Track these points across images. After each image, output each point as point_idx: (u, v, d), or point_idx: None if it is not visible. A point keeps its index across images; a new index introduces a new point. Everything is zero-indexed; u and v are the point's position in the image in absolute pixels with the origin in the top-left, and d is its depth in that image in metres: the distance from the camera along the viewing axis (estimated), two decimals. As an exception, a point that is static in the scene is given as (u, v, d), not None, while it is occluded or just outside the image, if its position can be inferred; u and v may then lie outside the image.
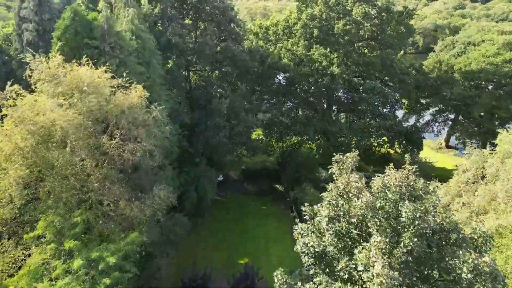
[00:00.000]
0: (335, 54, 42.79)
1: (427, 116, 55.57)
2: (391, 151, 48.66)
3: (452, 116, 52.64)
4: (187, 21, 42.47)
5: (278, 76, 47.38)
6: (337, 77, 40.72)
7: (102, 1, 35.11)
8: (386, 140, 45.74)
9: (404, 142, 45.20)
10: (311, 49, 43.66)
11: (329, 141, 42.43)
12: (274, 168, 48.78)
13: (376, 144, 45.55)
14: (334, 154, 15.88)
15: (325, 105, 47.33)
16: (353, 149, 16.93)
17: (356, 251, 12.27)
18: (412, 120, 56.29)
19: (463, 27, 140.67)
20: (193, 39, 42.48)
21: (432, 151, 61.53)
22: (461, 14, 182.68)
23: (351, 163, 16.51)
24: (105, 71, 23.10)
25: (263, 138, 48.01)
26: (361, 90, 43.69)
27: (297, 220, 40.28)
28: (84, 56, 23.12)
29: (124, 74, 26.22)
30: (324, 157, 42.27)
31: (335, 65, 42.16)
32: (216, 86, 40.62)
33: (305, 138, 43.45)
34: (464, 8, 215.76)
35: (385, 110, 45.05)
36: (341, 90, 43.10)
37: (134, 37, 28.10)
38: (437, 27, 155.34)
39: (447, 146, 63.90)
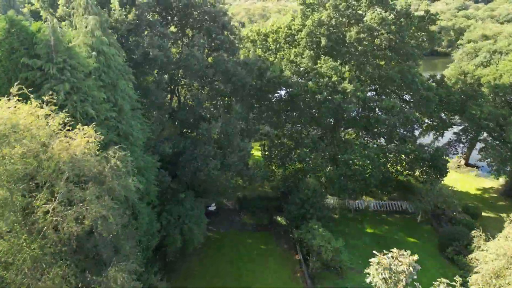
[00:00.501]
0: (346, 67, 36.34)
1: (448, 133, 49.07)
2: (411, 178, 42.15)
3: (480, 137, 46.15)
4: (172, 29, 35.97)
5: (279, 91, 40.91)
6: (350, 95, 34.26)
7: (61, 6, 28.67)
8: (405, 164, 39.24)
9: (426, 167, 38.71)
10: (318, 61, 37.19)
11: (339, 167, 35.96)
12: (275, 196, 42.31)
13: (394, 171, 39.05)
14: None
15: (334, 125, 40.83)
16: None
17: None
18: (429, 137, 49.86)
19: (468, 28, 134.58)
20: (180, 49, 36.04)
21: (451, 171, 55.14)
22: (465, 15, 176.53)
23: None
24: (47, 103, 16.68)
25: (262, 161, 41.53)
26: (377, 109, 37.29)
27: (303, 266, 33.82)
28: (15, 84, 16.70)
29: (78, 104, 19.80)
30: (333, 182, 35.99)
31: (347, 81, 35.71)
32: (206, 105, 34.11)
33: (311, 164, 36.91)
34: (467, 8, 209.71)
35: (404, 131, 38.66)
36: (354, 110, 36.60)
37: (94, 53, 21.61)
38: (441, 28, 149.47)
39: (467, 165, 57.47)
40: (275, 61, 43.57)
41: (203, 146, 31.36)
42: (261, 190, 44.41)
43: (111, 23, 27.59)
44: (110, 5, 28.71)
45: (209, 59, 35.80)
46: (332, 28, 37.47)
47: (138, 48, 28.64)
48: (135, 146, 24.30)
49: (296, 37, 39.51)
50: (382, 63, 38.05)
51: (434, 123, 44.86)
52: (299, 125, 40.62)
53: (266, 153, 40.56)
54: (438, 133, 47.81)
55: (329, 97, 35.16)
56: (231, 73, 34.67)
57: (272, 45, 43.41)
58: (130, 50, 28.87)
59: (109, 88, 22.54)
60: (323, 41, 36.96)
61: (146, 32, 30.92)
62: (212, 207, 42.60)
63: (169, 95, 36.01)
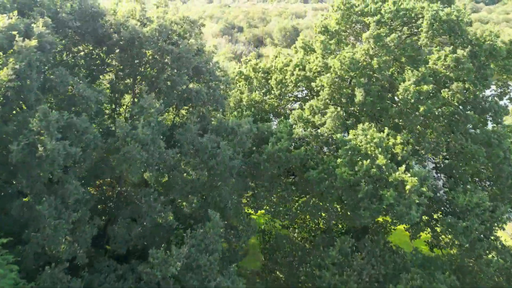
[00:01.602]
0: (398, 137, 22.09)
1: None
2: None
3: None
4: (108, 77, 21.89)
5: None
6: (409, 191, 20.05)
7: None
8: None
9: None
10: (351, 129, 23.01)
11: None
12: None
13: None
14: None
15: (378, 227, 26.49)
16: None
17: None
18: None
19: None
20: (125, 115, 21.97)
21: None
22: (479, 19, 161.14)
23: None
24: None
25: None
26: (448, 206, 23.10)
27: None
28: None
29: None
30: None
31: (400, 159, 21.56)
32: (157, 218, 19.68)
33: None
34: (478, 11, 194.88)
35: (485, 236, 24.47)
36: (418, 217, 22.06)
37: None
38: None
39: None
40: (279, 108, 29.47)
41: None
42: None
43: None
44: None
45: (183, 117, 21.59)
46: (373, 74, 23.27)
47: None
48: None
49: (313, 84, 25.20)
50: (452, 128, 23.70)
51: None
52: (318, 222, 26.37)
53: (267, 260, 26.31)
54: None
55: (373, 192, 20.96)
56: (207, 154, 20.58)
57: (275, 89, 29.13)
58: None
59: None
60: (359, 95, 22.73)
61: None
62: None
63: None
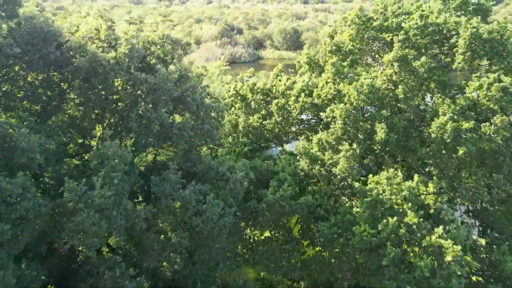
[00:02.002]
0: (430, 185, 17.65)
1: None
2: None
3: None
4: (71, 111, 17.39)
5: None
6: (449, 258, 15.65)
7: None
8: None
9: None
10: (370, 172, 18.61)
11: None
12: None
13: None
14: None
15: None
16: None
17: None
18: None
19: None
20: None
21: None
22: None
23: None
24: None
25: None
26: (490, 270, 18.70)
27: None
28: None
29: None
30: None
31: (434, 215, 17.17)
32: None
33: None
34: None
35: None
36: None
37: None
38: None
39: None
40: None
41: None
42: None
43: None
44: None
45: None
46: (397, 103, 18.85)
47: None
48: None
49: (323, 115, 20.70)
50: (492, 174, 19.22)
51: None
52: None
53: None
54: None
55: (402, 256, 16.56)
56: (191, 210, 16.20)
57: (276, 115, 24.70)
58: None
59: None
60: (380, 132, 18.28)
61: None
62: None
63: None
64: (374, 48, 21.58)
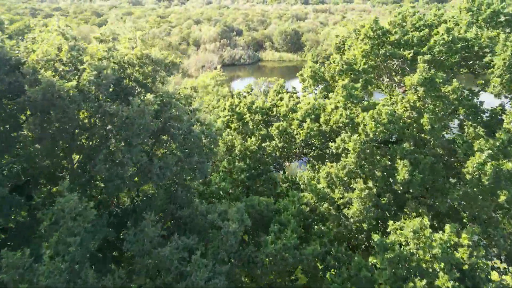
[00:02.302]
0: (464, 237, 14.55)
1: None
2: None
3: None
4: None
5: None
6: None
7: None
8: None
9: None
10: (390, 216, 15.51)
11: None
12: None
13: None
14: None
15: None
16: None
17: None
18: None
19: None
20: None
21: None
22: None
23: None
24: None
25: None
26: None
27: None
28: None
29: None
30: None
31: (468, 272, 14.11)
32: None
33: None
34: None
35: None
36: None
37: None
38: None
39: None
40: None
41: None
42: None
43: None
44: None
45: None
46: (423, 136, 15.76)
47: None
48: None
49: (332, 145, 17.56)
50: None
51: None
52: None
53: None
54: None
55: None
56: (173, 273, 13.12)
57: (278, 140, 21.64)
58: None
59: None
60: (403, 171, 15.13)
61: None
62: None
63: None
64: (391, 66, 18.47)
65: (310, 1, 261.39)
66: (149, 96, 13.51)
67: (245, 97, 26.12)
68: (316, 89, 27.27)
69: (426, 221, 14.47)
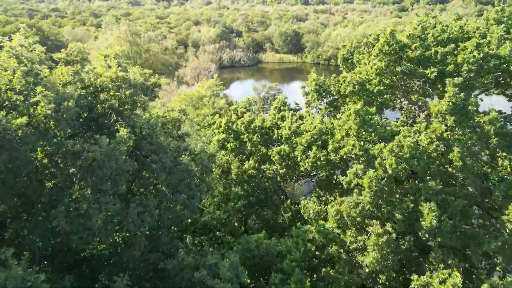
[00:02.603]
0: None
1: None
2: None
3: None
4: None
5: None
6: None
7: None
8: None
9: None
10: (417, 260, 13.00)
11: None
12: None
13: None
14: None
15: None
16: None
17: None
18: None
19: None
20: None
21: None
22: None
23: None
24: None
25: None
26: None
27: None
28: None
29: None
30: None
31: None
32: None
33: None
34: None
35: None
36: None
37: None
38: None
39: None
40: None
41: None
42: None
43: None
44: None
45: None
46: (450, 172, 13.26)
47: None
48: None
49: (343, 179, 15.03)
50: None
51: None
52: None
53: None
54: None
55: None
56: None
57: (279, 165, 19.13)
58: None
59: None
60: (429, 216, 12.62)
61: None
62: None
63: None
64: (410, 85, 15.96)
65: (310, 1, 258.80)
66: (123, 132, 10.98)
67: (242, 115, 23.60)
68: (320, 104, 24.82)
69: (458, 280, 11.95)
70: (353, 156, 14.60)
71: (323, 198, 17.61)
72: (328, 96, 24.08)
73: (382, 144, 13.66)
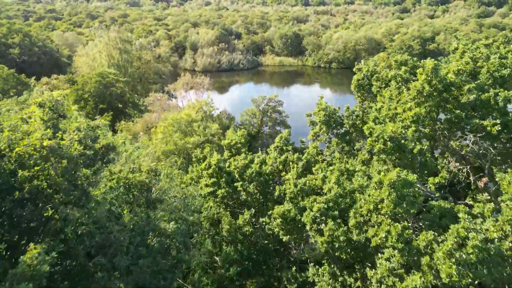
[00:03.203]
0: None
1: None
2: None
3: None
4: None
5: None
6: None
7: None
8: None
9: None
10: None
11: None
12: None
13: None
14: None
15: None
16: None
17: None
18: None
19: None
20: None
21: None
22: (493, 25, 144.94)
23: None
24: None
25: None
26: None
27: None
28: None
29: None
30: None
31: None
32: None
33: None
34: (490, 15, 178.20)
35: None
36: None
37: None
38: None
39: None
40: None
41: None
42: None
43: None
44: None
45: None
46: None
47: None
48: None
49: (370, 273, 10.93)
50: None
51: None
52: None
53: None
54: None
55: None
56: None
57: (282, 231, 14.94)
58: None
59: None
60: None
61: None
62: None
63: None
64: (457, 139, 11.77)
65: (310, 2, 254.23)
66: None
67: (236, 151, 19.40)
68: (331, 137, 20.83)
69: None
70: (387, 245, 10.44)
71: (340, 279, 13.41)
72: (338, 127, 20.13)
73: (431, 233, 9.48)
